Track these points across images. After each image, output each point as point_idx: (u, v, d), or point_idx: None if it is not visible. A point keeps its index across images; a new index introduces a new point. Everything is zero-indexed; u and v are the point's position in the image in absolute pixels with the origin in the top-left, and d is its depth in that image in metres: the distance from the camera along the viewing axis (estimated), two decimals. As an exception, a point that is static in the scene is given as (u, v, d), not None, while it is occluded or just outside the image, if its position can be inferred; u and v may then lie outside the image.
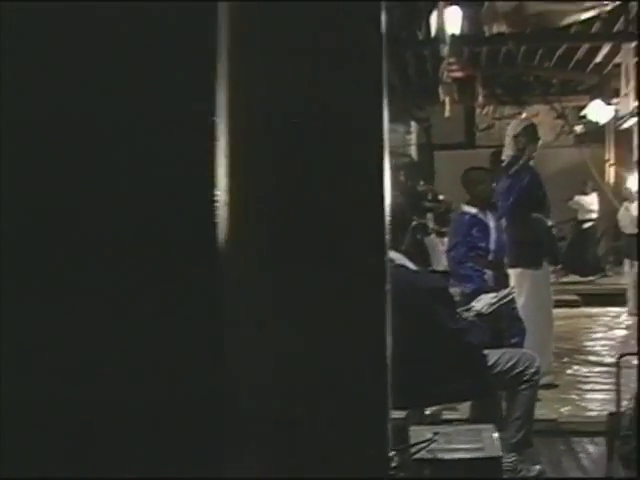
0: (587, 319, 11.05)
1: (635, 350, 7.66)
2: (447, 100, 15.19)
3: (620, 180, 16.33)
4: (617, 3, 13.73)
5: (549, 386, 6.75)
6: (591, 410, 6.16)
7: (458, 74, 16.10)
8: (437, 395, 4.27)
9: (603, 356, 8.28)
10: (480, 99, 16.93)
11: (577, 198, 16.74)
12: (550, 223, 6.94)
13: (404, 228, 4.41)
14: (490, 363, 4.45)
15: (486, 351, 4.41)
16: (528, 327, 6.48)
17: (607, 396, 5.91)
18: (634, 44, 15.93)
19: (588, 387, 6.93)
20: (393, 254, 4.33)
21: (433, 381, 4.25)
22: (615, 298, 12.00)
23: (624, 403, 4.66)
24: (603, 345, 8.98)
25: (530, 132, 7.22)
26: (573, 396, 6.61)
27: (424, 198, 16.55)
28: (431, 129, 21.29)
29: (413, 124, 19.80)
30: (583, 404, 6.37)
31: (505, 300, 4.72)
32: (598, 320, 10.98)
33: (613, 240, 15.58)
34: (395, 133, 19.36)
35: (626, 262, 11.26)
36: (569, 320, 10.71)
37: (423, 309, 4.16)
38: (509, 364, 4.49)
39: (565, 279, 14.92)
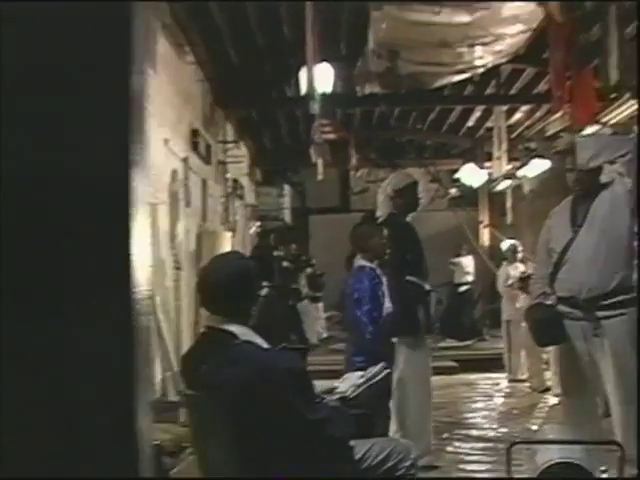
0: (466, 387, 10.42)
1: (516, 435, 7.13)
2: (319, 162, 14.60)
3: (495, 242, 15.99)
4: (489, 67, 13.50)
5: (429, 468, 6.02)
6: (477, 496, 5.44)
7: (331, 136, 15.59)
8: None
9: (485, 430, 7.61)
10: (353, 162, 16.45)
11: (456, 259, 16.32)
12: (428, 287, 6.24)
13: (250, 298, 3.61)
14: (357, 457, 3.66)
15: (352, 442, 3.63)
16: (406, 403, 5.77)
17: (492, 476, 5.19)
18: (505, 108, 15.83)
19: (471, 467, 6.21)
20: (237, 328, 3.53)
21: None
22: (494, 362, 11.49)
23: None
24: (484, 417, 8.32)
25: (412, 190, 6.55)
26: (455, 479, 5.87)
27: (298, 262, 15.97)
28: (305, 192, 20.77)
29: (287, 187, 19.16)
30: (466, 487, 5.64)
31: (374, 380, 3.95)
32: (477, 387, 10.38)
33: (490, 303, 15.13)
34: (268, 196, 18.71)
35: (503, 325, 10.73)
36: (447, 389, 10.08)
37: (273, 396, 3.36)
38: (379, 457, 3.72)
39: (442, 344, 14.38)
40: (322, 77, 11.25)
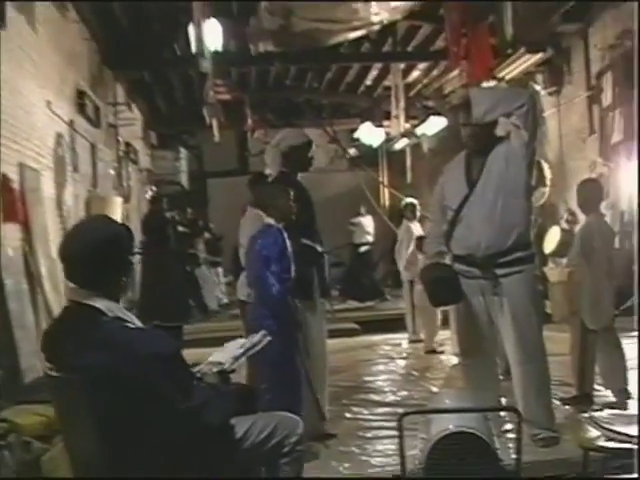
0: (367, 350, 10.18)
1: (416, 398, 6.94)
2: (214, 124, 14.16)
3: (395, 202, 15.82)
4: (385, 24, 13.23)
5: (325, 436, 5.75)
6: (375, 466, 5.15)
7: (225, 96, 15.15)
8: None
9: (385, 393, 7.36)
10: (249, 123, 16.02)
11: (355, 219, 16.06)
12: (320, 249, 5.91)
13: (118, 267, 3.23)
14: (238, 436, 3.34)
15: (233, 420, 3.31)
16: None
17: (392, 445, 4.93)
18: (402, 66, 15.62)
19: (370, 434, 5.94)
20: (103, 303, 3.16)
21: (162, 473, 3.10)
22: (396, 323, 11.27)
23: (410, 468, 3.70)
24: (385, 380, 8.08)
25: (306, 148, 6.16)
26: (353, 448, 5.56)
27: (194, 227, 15.52)
28: (203, 156, 20.27)
29: (183, 150, 18.64)
30: (364, 457, 5.33)
31: (256, 349, 3.63)
32: (378, 349, 10.15)
33: (391, 263, 14.98)
34: (163, 160, 18.17)
35: (405, 285, 10.53)
36: (348, 352, 9.83)
37: (140, 382, 3.01)
38: (263, 434, 3.40)
39: (344, 306, 14.17)
40: (212, 34, 10.81)
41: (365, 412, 6.60)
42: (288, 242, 5.34)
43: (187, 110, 16.54)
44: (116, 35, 12.79)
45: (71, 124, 11.03)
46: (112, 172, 13.79)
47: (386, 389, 7.55)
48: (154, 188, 16.51)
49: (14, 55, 8.84)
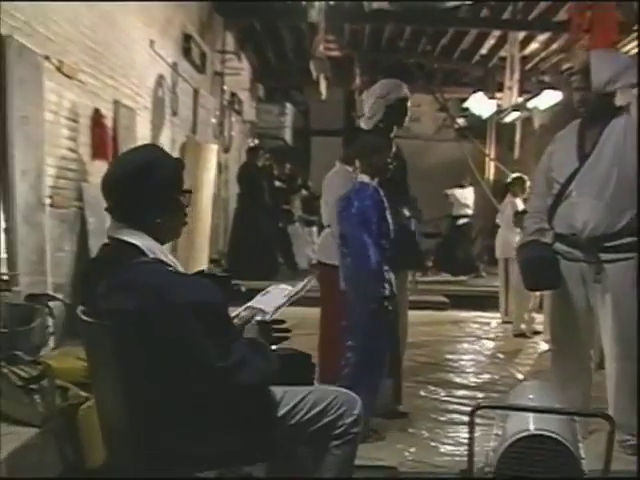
0: (453, 326, 9.62)
1: (499, 384, 6.37)
2: (321, 79, 13.66)
3: (500, 177, 15.11)
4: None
5: (397, 415, 5.28)
6: (443, 454, 4.64)
7: (335, 53, 14.65)
8: (197, 461, 2.70)
9: (466, 374, 6.83)
10: (358, 82, 15.44)
11: (450, 190, 15.36)
12: (407, 214, 5.35)
13: (155, 201, 2.79)
14: (284, 410, 2.89)
15: (277, 390, 2.87)
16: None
17: (466, 433, 4.41)
18: (520, 37, 14.81)
19: (444, 418, 5.42)
20: (142, 241, 2.75)
21: (186, 442, 2.67)
22: (488, 301, 10.68)
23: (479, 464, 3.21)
24: (468, 360, 7.52)
25: (405, 104, 5.60)
26: (423, 431, 5.05)
27: (291, 183, 15.12)
28: (309, 113, 19.81)
29: (289, 106, 18.21)
30: (433, 443, 4.82)
31: (300, 295, 3.15)
32: (466, 327, 9.58)
33: (490, 238, 14.31)
34: (269, 114, 17.79)
35: (500, 262, 9.93)
36: (432, 326, 9.31)
37: (173, 333, 2.58)
38: (313, 411, 2.93)
39: (435, 278, 13.62)
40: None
41: (442, 393, 6.07)
42: (386, 203, 4.80)
43: (296, 64, 16.05)
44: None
45: (174, 66, 10.71)
46: (214, 120, 13.47)
47: (468, 370, 7.00)
48: (256, 141, 16.19)
49: (118, -12, 8.52)
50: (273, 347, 2.97)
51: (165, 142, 10.49)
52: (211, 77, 13.28)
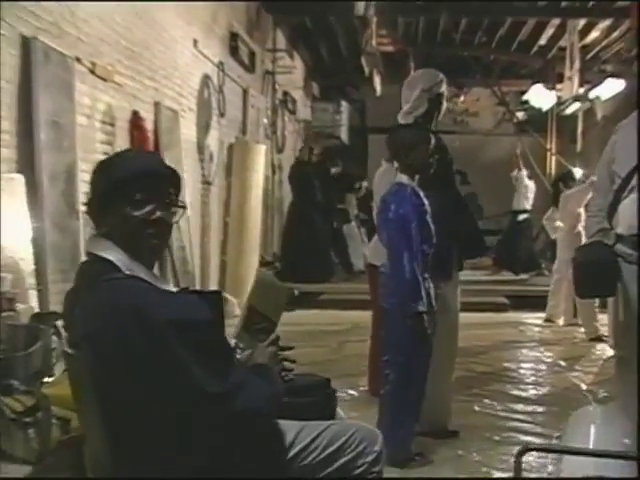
0: (513, 329, 9.03)
1: (560, 395, 5.79)
2: (375, 75, 13.17)
3: (562, 170, 14.39)
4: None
5: (446, 434, 4.78)
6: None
7: (389, 48, 14.13)
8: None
9: (526, 385, 6.27)
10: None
11: (519, 173, 14.39)
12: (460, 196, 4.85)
13: (128, 204, 2.35)
14: (295, 451, 2.43)
15: (290, 425, 2.42)
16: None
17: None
18: (580, 25, 14.11)
19: (498, 436, 4.89)
20: (116, 255, 2.32)
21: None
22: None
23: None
24: (528, 368, 6.95)
25: (443, 97, 5.14)
26: (474, 453, 4.53)
27: (349, 182, 14.60)
28: (366, 110, 19.30)
29: (344, 104, 17.72)
30: (485, 468, 4.27)
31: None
32: (527, 330, 9.00)
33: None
34: (324, 112, 17.32)
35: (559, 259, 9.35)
36: (491, 330, 8.75)
37: (157, 362, 2.15)
38: (330, 449, 2.47)
39: (495, 277, 13.04)
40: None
41: (498, 407, 5.54)
42: (427, 205, 4.29)
43: (350, 61, 15.56)
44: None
45: (221, 66, 10.31)
46: (265, 121, 13.07)
47: (527, 380, 6.43)
48: (309, 139, 15.76)
49: (156, -13, 8.14)
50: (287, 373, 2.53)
51: (212, 143, 10.11)
52: (262, 76, 12.88)
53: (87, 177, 6.56)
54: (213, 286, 10.01)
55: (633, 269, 4.15)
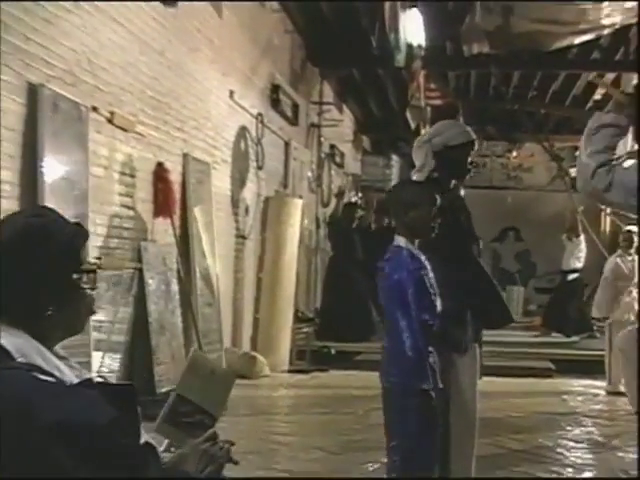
0: (555, 397, 8.31)
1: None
2: (421, 129, 12.69)
3: (616, 230, 13.66)
4: (618, 27, 11.32)
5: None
6: None
7: (437, 102, 13.66)
8: None
9: (561, 468, 5.59)
10: (460, 130, 14.37)
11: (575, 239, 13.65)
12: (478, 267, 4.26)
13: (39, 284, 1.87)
14: None
15: None
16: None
17: None
18: (635, 77, 13.49)
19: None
20: (14, 340, 1.85)
21: None
22: (599, 366, 9.29)
23: None
24: (564, 447, 6.25)
25: (467, 150, 4.55)
26: None
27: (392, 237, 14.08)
28: (417, 165, 18.80)
29: (395, 157, 17.27)
30: None
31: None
32: (570, 400, 8.29)
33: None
34: (374, 167, 16.89)
35: (606, 324, 8.69)
36: (531, 399, 8.08)
37: (40, 467, 1.66)
38: None
39: (544, 339, 12.36)
40: (413, 26, 9.39)
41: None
42: (429, 270, 3.75)
43: (400, 115, 15.13)
44: (321, 29, 11.58)
45: (260, 117, 9.94)
46: (310, 174, 12.66)
47: (562, 461, 5.75)
48: (360, 195, 15.33)
49: (188, 37, 7.82)
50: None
51: (249, 197, 9.72)
52: (306, 129, 12.51)
53: (100, 230, 6.25)
54: (245, 345, 9.55)
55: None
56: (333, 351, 10.35)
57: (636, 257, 8.38)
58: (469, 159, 4.34)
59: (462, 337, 4.06)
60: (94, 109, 6.10)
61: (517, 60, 12.51)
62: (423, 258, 3.74)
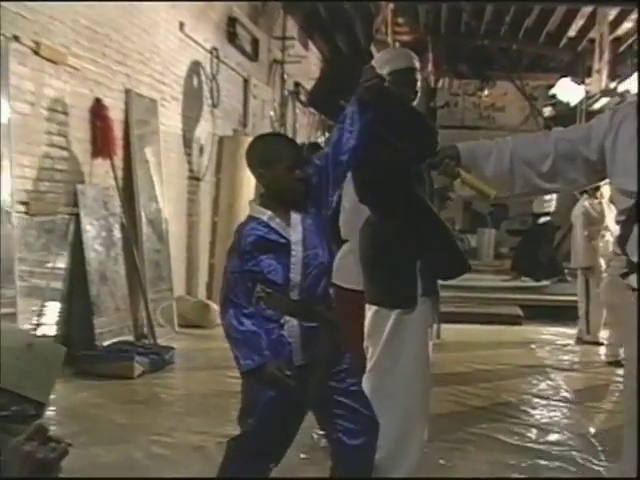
0: (523, 348, 7.86)
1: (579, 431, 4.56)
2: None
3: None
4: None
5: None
6: None
7: (405, 37, 13.01)
8: None
9: (524, 429, 5.12)
10: (430, 69, 13.73)
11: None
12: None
13: None
14: None
15: None
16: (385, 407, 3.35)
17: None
18: (611, 16, 12.87)
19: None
20: None
21: None
22: (569, 312, 8.83)
23: None
24: (532, 406, 5.80)
25: (411, 76, 3.88)
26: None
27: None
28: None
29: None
30: None
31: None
32: (538, 350, 7.86)
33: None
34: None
35: (579, 273, 8.22)
36: (497, 349, 7.64)
37: None
38: None
39: (513, 283, 11.93)
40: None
41: (485, 457, 4.42)
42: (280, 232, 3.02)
43: (368, 50, 14.44)
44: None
45: (215, 52, 9.27)
46: (272, 113, 12.02)
47: (530, 420, 5.26)
48: (327, 135, 14.67)
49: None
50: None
51: (203, 136, 9.10)
52: (268, 65, 11.83)
53: (28, 172, 5.64)
54: (202, 292, 9.01)
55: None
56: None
57: (604, 200, 7.86)
58: (416, 86, 3.76)
59: (407, 293, 3.53)
60: (15, 39, 5.45)
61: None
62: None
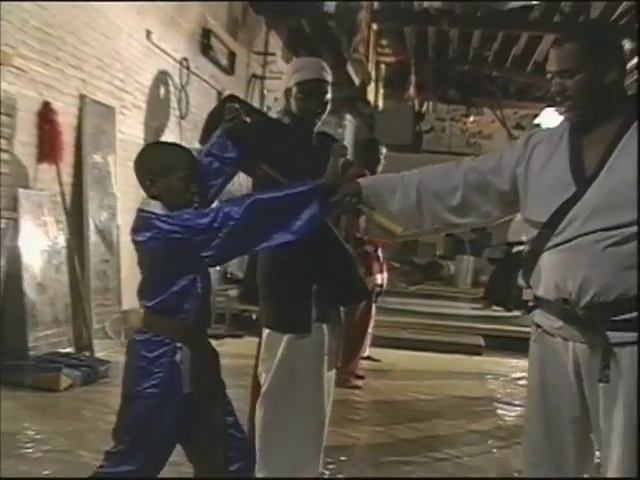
0: (472, 379, 7.64)
1: None
2: (374, 87, 11.90)
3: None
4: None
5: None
6: None
7: (388, 58, 12.86)
8: None
9: (447, 465, 4.89)
10: (411, 91, 13.58)
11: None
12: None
13: None
14: None
15: None
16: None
17: None
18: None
19: None
20: None
21: None
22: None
23: None
24: (464, 442, 5.54)
25: (320, 90, 3.67)
26: None
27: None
28: (375, 126, 18.00)
29: (348, 117, 16.45)
30: None
31: None
32: (487, 382, 7.63)
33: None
34: (326, 125, 16.00)
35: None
36: (445, 380, 7.42)
37: None
38: None
39: (485, 312, 11.73)
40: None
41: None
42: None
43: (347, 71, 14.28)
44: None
45: (185, 63, 9.10)
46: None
47: (455, 460, 5.00)
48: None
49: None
50: None
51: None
52: (246, 80, 11.65)
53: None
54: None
55: (557, 346, 2.86)
56: (254, 316, 9.62)
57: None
58: (326, 102, 3.59)
59: (299, 317, 3.34)
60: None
61: (473, 18, 11.72)
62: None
